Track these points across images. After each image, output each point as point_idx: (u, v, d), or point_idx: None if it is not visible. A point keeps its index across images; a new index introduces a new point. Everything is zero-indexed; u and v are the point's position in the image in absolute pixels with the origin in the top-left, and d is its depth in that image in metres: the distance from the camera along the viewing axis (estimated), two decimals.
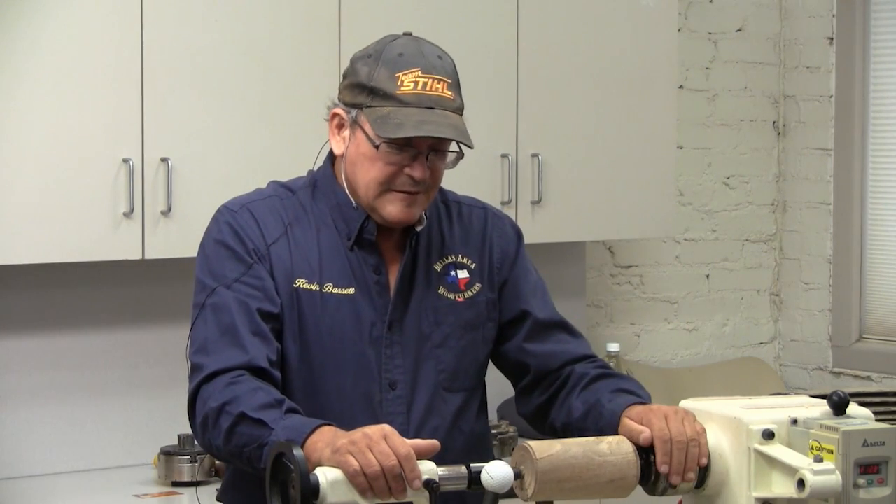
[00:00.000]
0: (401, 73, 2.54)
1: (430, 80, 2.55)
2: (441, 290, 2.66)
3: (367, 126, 2.55)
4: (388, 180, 2.56)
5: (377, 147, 2.54)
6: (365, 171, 2.58)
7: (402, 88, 2.53)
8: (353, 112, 2.58)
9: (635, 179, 4.65)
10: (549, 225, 4.49)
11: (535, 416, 2.73)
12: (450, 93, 2.56)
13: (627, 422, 2.44)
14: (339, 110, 2.62)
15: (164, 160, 3.84)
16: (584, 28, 4.53)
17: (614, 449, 2.35)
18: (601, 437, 2.38)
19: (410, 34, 2.64)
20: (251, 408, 2.39)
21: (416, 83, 2.54)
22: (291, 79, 3.99)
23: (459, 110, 2.58)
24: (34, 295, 4.07)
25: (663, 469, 2.36)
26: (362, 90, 2.57)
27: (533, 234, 4.37)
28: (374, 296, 2.61)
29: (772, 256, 5.57)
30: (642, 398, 2.55)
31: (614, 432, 2.46)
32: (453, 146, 2.59)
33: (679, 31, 5.00)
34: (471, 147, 2.57)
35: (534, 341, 2.71)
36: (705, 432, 2.38)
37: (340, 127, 2.62)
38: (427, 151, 2.56)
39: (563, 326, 2.74)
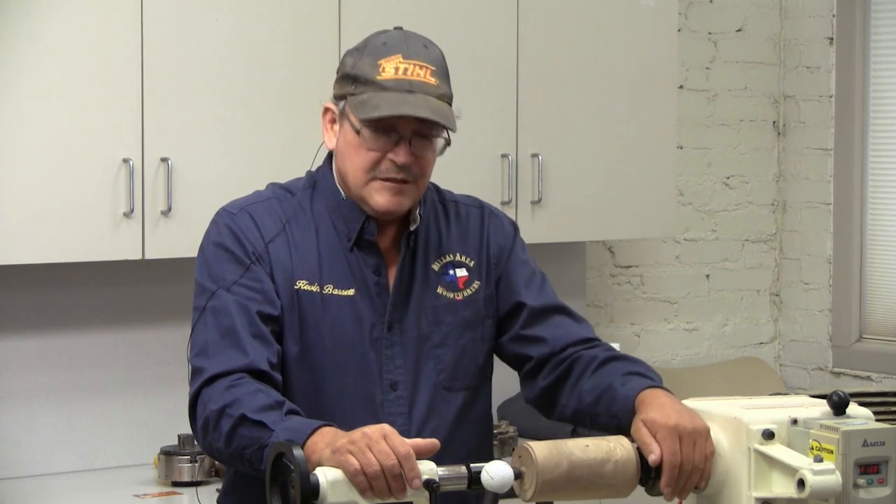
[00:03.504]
0: (382, 60, 2.55)
1: (412, 66, 2.55)
2: (440, 290, 2.65)
3: (351, 114, 2.56)
4: (372, 167, 2.56)
5: (359, 133, 2.55)
6: (351, 159, 2.58)
7: (383, 74, 2.54)
8: (341, 104, 2.59)
9: (635, 179, 4.65)
10: (549, 225, 4.48)
11: (541, 401, 2.69)
12: (433, 79, 2.55)
13: (641, 431, 2.38)
14: (329, 104, 2.63)
15: (164, 160, 3.84)
16: (583, 28, 4.52)
17: (616, 450, 2.34)
18: (602, 438, 2.37)
19: (401, 28, 2.64)
20: (251, 410, 2.38)
21: (398, 69, 2.54)
22: (291, 79, 3.99)
23: (444, 97, 2.57)
24: (34, 295, 4.06)
25: (666, 491, 2.35)
26: (347, 80, 2.58)
27: (533, 234, 4.37)
28: (373, 297, 2.61)
29: (772, 256, 5.57)
30: (654, 380, 2.52)
31: (628, 416, 2.44)
32: (439, 132, 2.57)
33: (679, 31, 5.00)
34: (452, 130, 2.56)
35: (530, 327, 2.69)
36: (713, 454, 2.36)
37: (333, 122, 2.63)
38: (410, 136, 2.55)
39: (562, 310, 2.72)
